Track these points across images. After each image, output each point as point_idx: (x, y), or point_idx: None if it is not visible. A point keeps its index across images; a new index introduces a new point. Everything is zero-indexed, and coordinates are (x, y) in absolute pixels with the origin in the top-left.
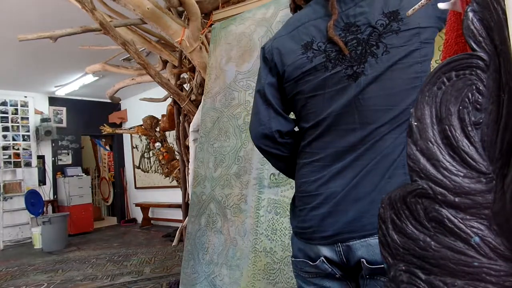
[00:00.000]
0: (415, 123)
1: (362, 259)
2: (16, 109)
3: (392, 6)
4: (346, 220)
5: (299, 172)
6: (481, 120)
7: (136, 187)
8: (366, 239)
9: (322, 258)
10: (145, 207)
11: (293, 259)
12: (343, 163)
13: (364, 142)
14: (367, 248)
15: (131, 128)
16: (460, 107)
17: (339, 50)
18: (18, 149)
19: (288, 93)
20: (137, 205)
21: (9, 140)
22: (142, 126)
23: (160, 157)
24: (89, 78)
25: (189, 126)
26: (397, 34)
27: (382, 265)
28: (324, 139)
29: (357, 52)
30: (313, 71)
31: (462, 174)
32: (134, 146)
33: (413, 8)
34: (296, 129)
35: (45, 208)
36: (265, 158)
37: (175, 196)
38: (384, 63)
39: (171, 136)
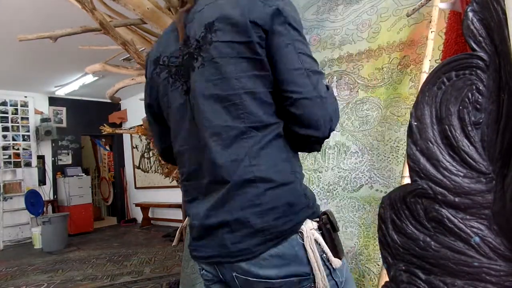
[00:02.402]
0: (415, 123)
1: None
2: (16, 109)
3: (210, 17)
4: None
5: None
6: (481, 120)
7: (136, 187)
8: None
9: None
10: (145, 207)
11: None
12: (198, 184)
13: (204, 164)
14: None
15: (131, 128)
16: (460, 107)
17: (178, 65)
18: (18, 149)
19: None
20: (137, 205)
21: (9, 140)
22: (142, 126)
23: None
24: (89, 78)
25: None
26: (210, 45)
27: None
28: (182, 158)
29: (187, 67)
30: (161, 87)
31: (462, 174)
32: (134, 146)
33: (413, 8)
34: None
35: (45, 208)
36: None
37: (175, 196)
38: (200, 76)
39: None
